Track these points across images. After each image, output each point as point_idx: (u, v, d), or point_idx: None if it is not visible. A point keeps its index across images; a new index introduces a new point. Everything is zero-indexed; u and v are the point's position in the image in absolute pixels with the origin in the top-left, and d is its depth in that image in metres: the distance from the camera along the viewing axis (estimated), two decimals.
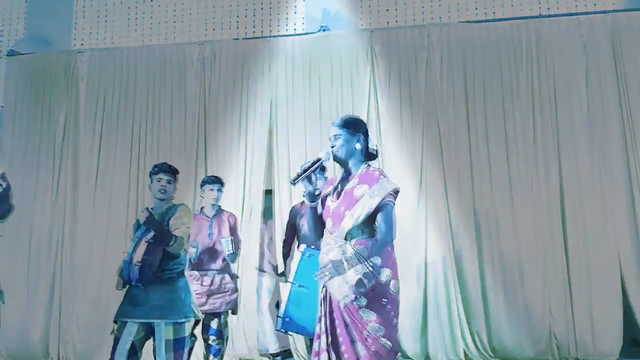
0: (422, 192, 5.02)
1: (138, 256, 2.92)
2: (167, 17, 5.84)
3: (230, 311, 3.96)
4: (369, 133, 2.48)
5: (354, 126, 2.40)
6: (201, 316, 3.35)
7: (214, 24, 5.74)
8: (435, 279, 4.87)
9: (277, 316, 3.55)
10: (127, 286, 3.05)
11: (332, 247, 2.27)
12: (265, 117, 5.40)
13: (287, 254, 4.09)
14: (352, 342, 2.18)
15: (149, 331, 2.97)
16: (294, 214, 4.06)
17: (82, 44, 5.90)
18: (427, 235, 4.94)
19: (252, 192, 5.22)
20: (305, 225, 3.73)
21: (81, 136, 5.61)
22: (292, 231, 4.05)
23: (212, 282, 3.84)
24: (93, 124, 5.60)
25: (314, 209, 2.38)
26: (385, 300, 2.21)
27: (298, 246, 3.92)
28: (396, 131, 5.15)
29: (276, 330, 3.83)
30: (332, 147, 2.36)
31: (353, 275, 2.17)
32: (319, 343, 2.24)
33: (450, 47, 5.19)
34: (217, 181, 4.03)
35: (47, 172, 5.58)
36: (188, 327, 3.08)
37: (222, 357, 3.95)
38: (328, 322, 2.23)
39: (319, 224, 2.40)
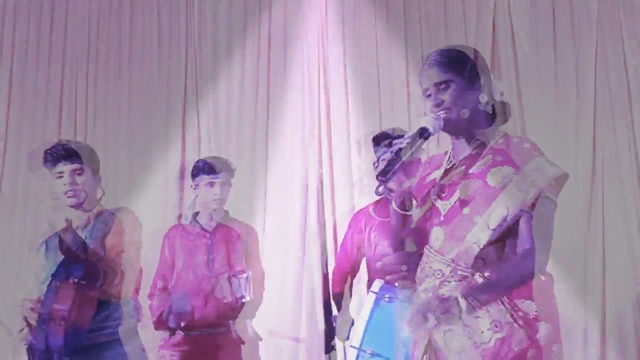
0: (596, 182, 4.71)
1: (62, 309, 2.90)
2: None
3: None
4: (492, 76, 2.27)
5: (474, 63, 2.24)
6: None
7: None
8: (620, 336, 4.55)
9: None
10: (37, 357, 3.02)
11: (445, 278, 2.14)
12: (307, 59, 5.16)
13: (339, 294, 4.00)
14: None
15: None
16: (360, 226, 3.89)
17: None
18: (604, 261, 4.60)
19: (287, 183, 4.98)
20: (382, 245, 3.68)
21: None
22: (355, 255, 3.91)
23: (214, 348, 3.78)
24: None
25: (406, 219, 2.29)
26: None
27: (369, 281, 3.74)
28: (547, 74, 4.80)
29: None
30: (437, 105, 2.17)
31: (489, 331, 2.04)
32: None
33: None
34: (221, 168, 3.90)
35: None
36: None
37: None
38: None
39: (412, 242, 2.32)
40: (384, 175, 2.11)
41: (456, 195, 2.21)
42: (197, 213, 3.96)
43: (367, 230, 3.83)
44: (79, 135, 5.21)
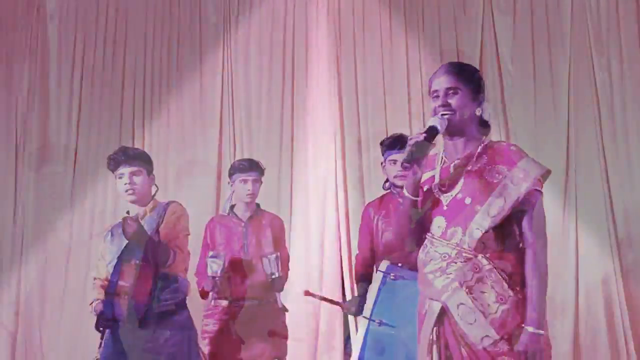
0: (570, 179, 4.72)
1: (125, 285, 2.99)
2: None
3: None
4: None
5: (478, 81, 2.25)
6: None
7: None
8: (592, 309, 4.56)
9: None
10: (108, 327, 3.10)
11: (452, 259, 2.15)
12: (324, 69, 5.20)
13: (363, 276, 3.85)
14: None
15: None
16: (370, 216, 3.83)
17: None
18: (577, 245, 4.64)
19: (310, 180, 5.06)
20: (388, 231, 3.59)
21: (51, 102, 5.51)
22: (369, 241, 3.80)
23: (250, 317, 3.73)
24: (69, 84, 5.50)
25: (415, 204, 2.24)
26: None
27: (376, 263, 3.68)
28: (528, 88, 4.85)
29: None
30: (444, 105, 2.18)
31: (495, 304, 2.06)
32: None
33: None
34: (252, 167, 3.89)
35: (1, 154, 5.53)
36: None
37: None
38: None
39: (418, 227, 2.28)
40: (408, 162, 2.14)
41: (457, 188, 2.22)
42: (233, 206, 3.95)
43: (375, 219, 3.72)
44: (137, 140, 5.29)
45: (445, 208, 2.21)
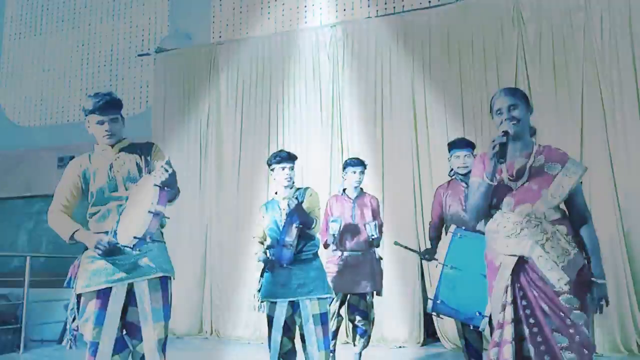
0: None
1: (289, 240, 3.11)
2: (298, 3, 6.05)
3: (375, 292, 3.93)
4: None
5: (527, 98, 2.23)
6: (334, 295, 3.61)
7: (345, 4, 5.82)
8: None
9: (429, 298, 3.38)
10: (269, 267, 3.23)
11: (523, 226, 2.10)
12: (405, 94, 5.40)
13: (435, 237, 3.79)
14: (553, 331, 2.03)
15: (295, 308, 3.18)
16: (440, 194, 3.77)
17: (220, 37, 6.34)
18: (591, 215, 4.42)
19: (395, 171, 5.28)
20: (453, 205, 3.58)
21: (223, 123, 6.12)
22: (439, 212, 3.75)
23: (357, 263, 3.87)
24: (234, 111, 6.08)
25: (490, 188, 2.20)
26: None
27: (446, 227, 3.70)
28: (551, 102, 4.88)
29: (427, 312, 3.65)
30: (512, 118, 2.14)
31: (562, 257, 2.04)
32: (501, 333, 2.08)
33: (612, 6, 4.76)
34: (359, 163, 4.02)
35: (195, 158, 6.11)
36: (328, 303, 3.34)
37: (368, 338, 4.00)
38: (521, 311, 2.08)
39: (487, 204, 2.25)
40: (502, 158, 2.10)
41: (525, 178, 2.18)
42: (345, 189, 4.08)
43: (445, 197, 3.66)
44: (279, 146, 5.65)
45: (514, 192, 2.18)
